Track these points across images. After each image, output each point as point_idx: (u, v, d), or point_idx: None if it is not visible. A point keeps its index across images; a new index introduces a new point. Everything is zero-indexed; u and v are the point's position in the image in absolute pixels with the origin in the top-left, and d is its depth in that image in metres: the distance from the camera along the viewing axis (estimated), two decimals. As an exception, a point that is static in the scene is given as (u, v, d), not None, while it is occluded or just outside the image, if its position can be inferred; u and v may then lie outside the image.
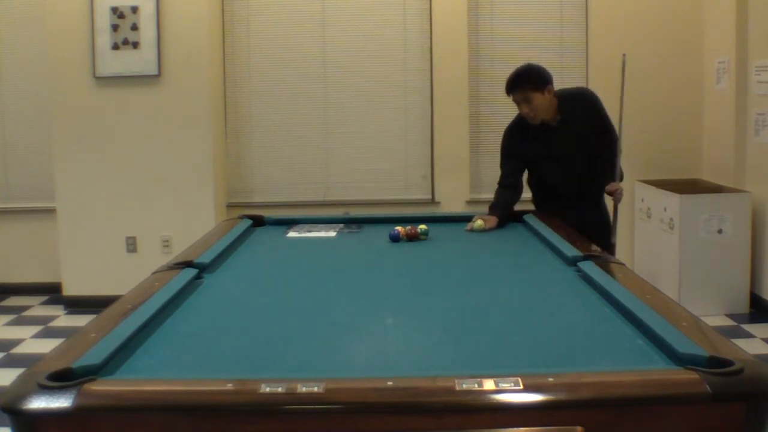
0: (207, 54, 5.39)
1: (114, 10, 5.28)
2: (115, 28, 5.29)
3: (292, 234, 3.55)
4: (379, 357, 1.89)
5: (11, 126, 5.87)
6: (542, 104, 3.56)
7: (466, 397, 1.53)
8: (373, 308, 2.29)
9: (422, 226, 3.37)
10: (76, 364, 1.67)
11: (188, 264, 2.70)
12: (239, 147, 5.80)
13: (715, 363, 1.62)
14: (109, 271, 5.42)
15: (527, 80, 3.55)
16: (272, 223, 3.82)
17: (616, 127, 3.75)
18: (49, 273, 5.83)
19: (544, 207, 3.83)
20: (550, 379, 1.57)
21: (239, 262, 2.98)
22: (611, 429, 1.54)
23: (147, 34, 5.30)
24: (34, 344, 4.80)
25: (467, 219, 3.61)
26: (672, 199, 5.08)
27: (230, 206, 5.71)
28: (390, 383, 1.58)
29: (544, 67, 3.64)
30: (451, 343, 1.98)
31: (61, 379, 1.60)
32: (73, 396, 1.53)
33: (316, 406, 1.54)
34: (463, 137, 5.68)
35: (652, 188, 5.42)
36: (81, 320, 4.72)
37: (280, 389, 1.55)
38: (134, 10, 5.28)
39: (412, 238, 3.32)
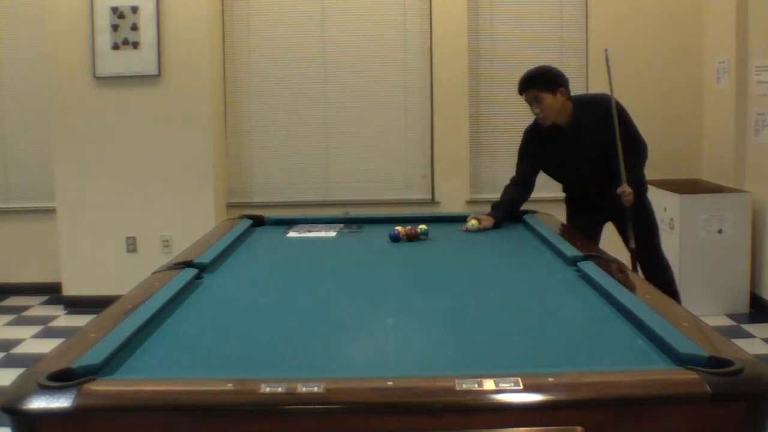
0: (207, 54, 5.39)
1: (114, 10, 5.27)
2: (115, 28, 5.29)
3: (292, 234, 3.55)
4: (379, 357, 1.89)
5: (11, 126, 5.86)
6: (552, 106, 3.57)
7: (466, 397, 1.53)
8: (373, 308, 2.29)
9: (422, 226, 3.37)
10: (76, 364, 1.67)
11: (188, 264, 2.70)
12: (239, 147, 5.79)
13: (715, 363, 1.63)
14: (109, 271, 5.42)
15: (539, 80, 3.57)
16: (272, 223, 3.83)
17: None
18: (49, 273, 5.82)
19: (574, 205, 3.91)
20: (550, 379, 1.57)
21: (239, 262, 2.98)
22: (611, 429, 1.54)
23: (147, 34, 5.29)
24: (34, 344, 4.79)
25: (467, 219, 3.61)
26: (672, 199, 5.08)
27: (230, 206, 5.71)
28: (390, 383, 1.58)
29: (560, 70, 3.64)
30: (451, 343, 1.98)
31: (61, 379, 1.60)
32: (73, 396, 1.53)
33: (316, 406, 1.54)
34: (463, 137, 5.68)
35: (652, 188, 5.36)
36: (81, 320, 4.72)
37: (280, 389, 1.55)
38: (134, 10, 5.28)
39: (412, 238, 3.32)
